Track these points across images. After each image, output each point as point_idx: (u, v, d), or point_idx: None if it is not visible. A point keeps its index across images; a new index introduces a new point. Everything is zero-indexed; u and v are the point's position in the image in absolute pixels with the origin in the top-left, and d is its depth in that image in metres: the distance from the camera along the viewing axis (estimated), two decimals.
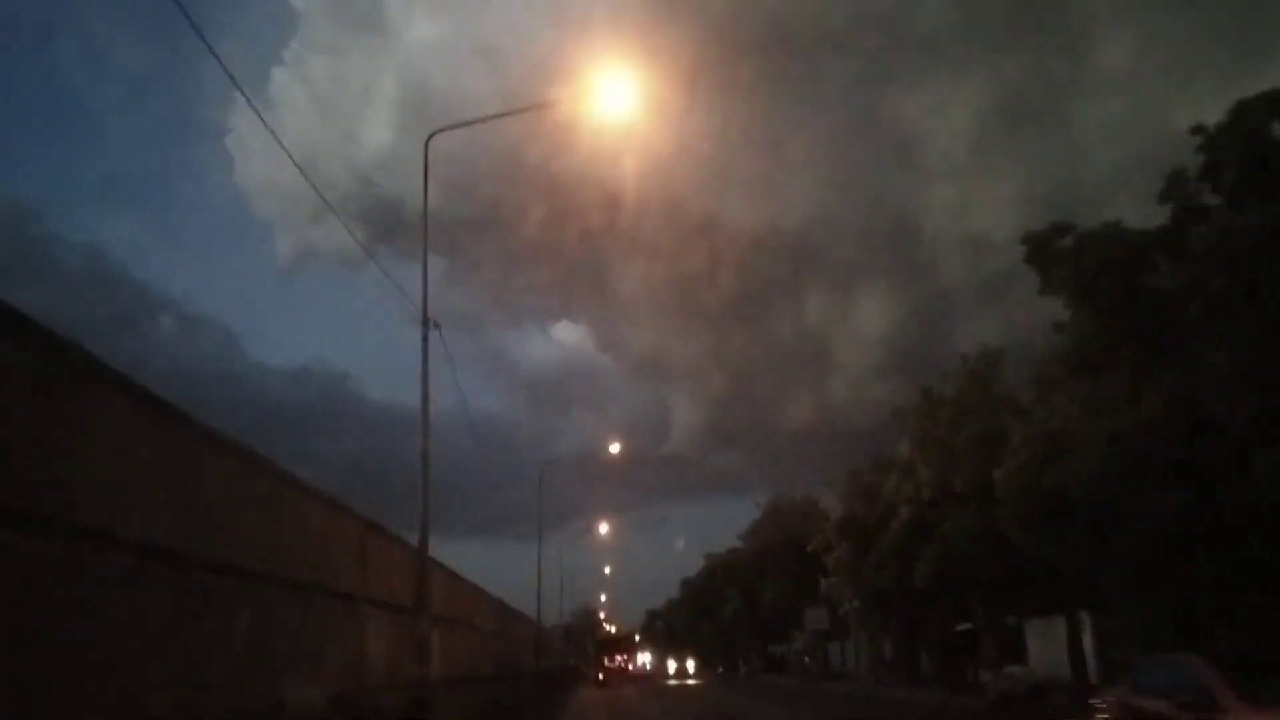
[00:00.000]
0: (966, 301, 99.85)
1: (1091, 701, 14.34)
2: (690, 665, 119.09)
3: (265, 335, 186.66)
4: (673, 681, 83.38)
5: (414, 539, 15.45)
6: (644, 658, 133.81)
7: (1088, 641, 33.45)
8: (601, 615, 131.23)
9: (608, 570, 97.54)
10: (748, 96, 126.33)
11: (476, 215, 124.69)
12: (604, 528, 70.28)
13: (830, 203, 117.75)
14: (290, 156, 11.78)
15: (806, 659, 72.26)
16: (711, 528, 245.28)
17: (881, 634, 52.21)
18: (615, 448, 42.76)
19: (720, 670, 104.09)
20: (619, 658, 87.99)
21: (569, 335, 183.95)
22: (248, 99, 11.05)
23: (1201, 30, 79.23)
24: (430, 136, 16.75)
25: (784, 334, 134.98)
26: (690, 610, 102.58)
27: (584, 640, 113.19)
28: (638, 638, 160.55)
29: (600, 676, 74.12)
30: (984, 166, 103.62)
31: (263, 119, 11.25)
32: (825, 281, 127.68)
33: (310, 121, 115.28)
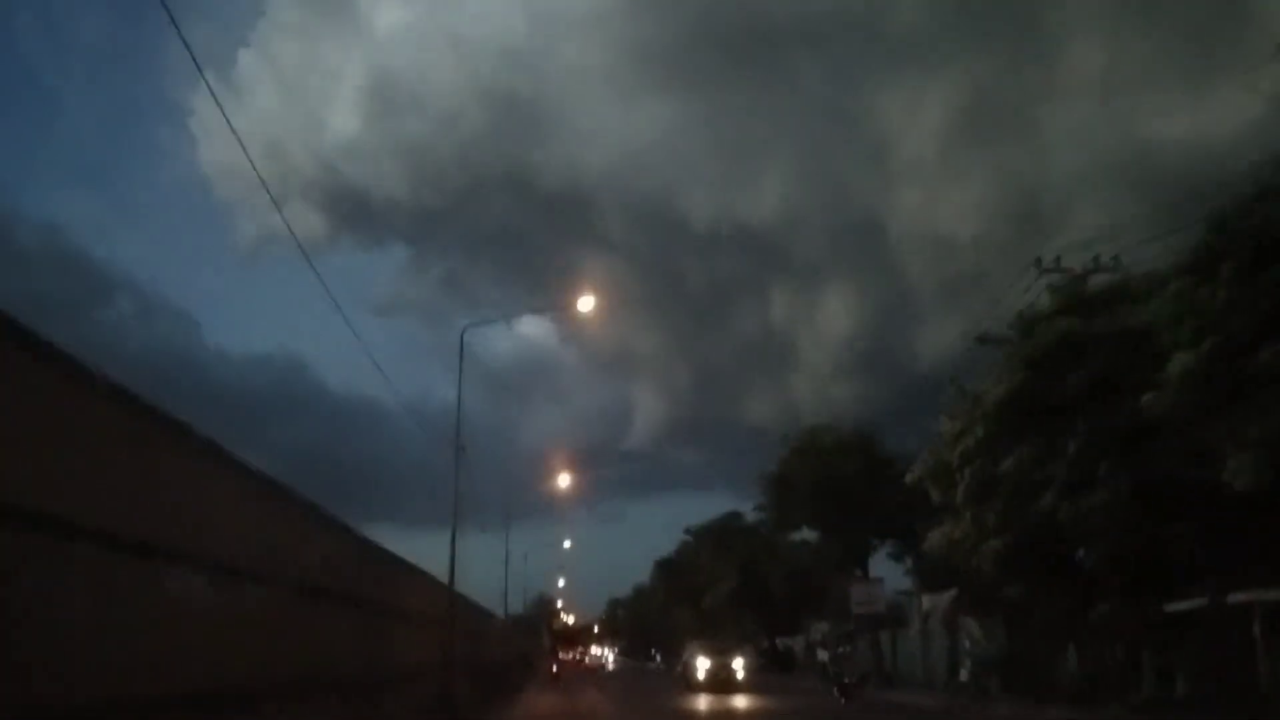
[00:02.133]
0: (931, 303, 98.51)
1: None
2: (659, 658, 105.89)
3: (225, 321, 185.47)
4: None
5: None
6: (608, 653, 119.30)
7: None
8: (559, 604, 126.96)
9: (561, 571, 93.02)
10: (719, 92, 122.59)
11: (442, 206, 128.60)
12: (563, 522, 68.15)
13: (798, 201, 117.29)
14: (245, 150, 11.60)
15: (824, 654, 56.12)
16: (669, 524, 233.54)
17: (990, 620, 35.92)
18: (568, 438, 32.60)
19: None
20: (573, 652, 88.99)
21: (532, 328, 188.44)
22: (210, 87, 10.69)
23: (1171, 39, 78.02)
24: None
25: (748, 331, 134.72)
26: (668, 595, 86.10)
27: (540, 631, 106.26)
28: (596, 629, 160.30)
29: (554, 669, 66.43)
30: (952, 168, 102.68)
31: (223, 110, 10.93)
32: (791, 280, 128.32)
33: (276, 106, 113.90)
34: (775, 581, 56.94)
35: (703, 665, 39.85)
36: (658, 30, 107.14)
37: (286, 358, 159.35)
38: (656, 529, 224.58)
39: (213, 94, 10.78)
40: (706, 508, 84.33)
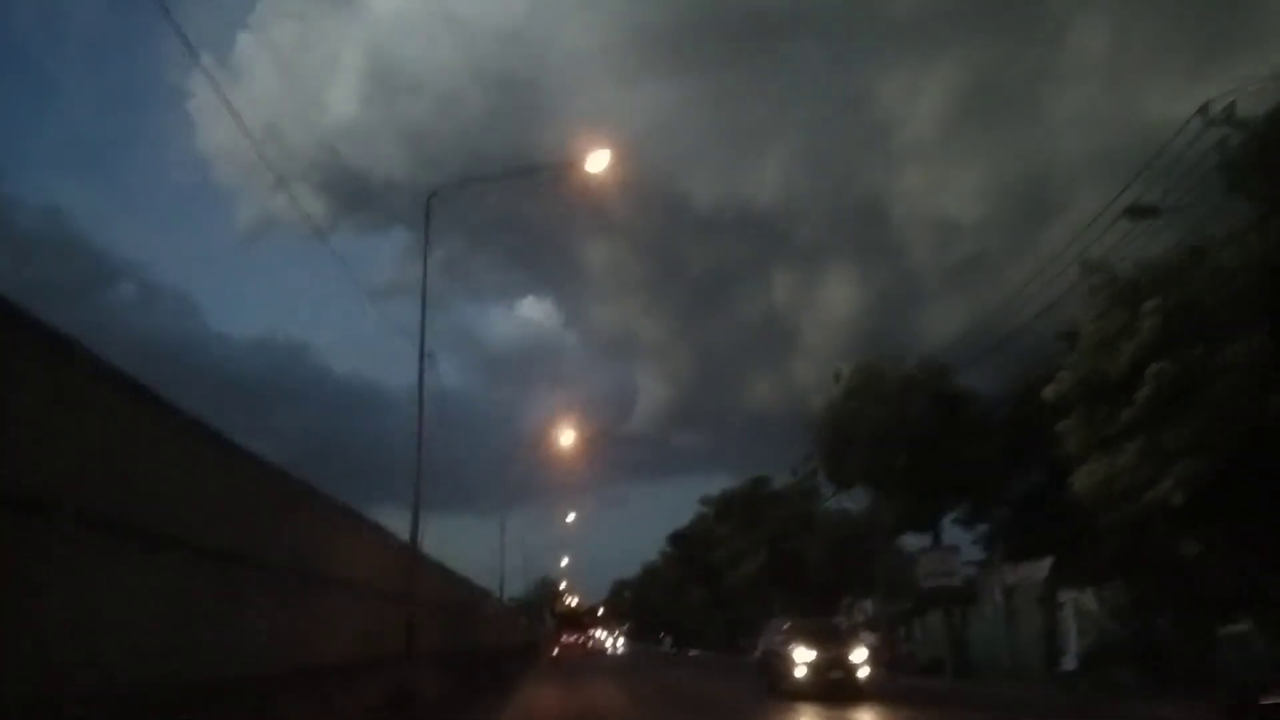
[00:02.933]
0: (933, 285, 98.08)
1: None
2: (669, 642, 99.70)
3: (226, 304, 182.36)
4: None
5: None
6: (614, 637, 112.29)
7: None
8: (562, 587, 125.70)
9: (564, 555, 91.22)
10: (720, 75, 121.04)
11: (444, 188, 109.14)
12: (566, 505, 66.91)
13: (800, 184, 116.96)
14: (246, 131, 11.30)
15: (870, 638, 48.74)
16: (672, 508, 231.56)
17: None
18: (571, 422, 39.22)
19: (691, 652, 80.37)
20: (577, 635, 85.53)
21: (534, 311, 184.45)
22: (209, 75, 7.48)
23: (1176, 21, 76.28)
24: (431, 196, 17.33)
25: (750, 314, 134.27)
26: (682, 572, 78.64)
27: (542, 614, 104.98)
28: (600, 612, 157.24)
29: (556, 653, 68.86)
30: (954, 151, 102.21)
31: (222, 95, 10.56)
32: (793, 263, 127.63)
33: (275, 88, 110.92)
34: (811, 555, 49.34)
35: (804, 658, 24.95)
36: (659, 13, 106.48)
37: (287, 341, 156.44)
38: (660, 513, 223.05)
39: (210, 78, 10.51)
40: (710, 491, 76.86)
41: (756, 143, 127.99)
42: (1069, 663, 30.63)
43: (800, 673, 24.73)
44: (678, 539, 77.91)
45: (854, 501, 47.20)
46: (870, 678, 25.32)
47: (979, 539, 37.03)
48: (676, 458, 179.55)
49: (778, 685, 26.09)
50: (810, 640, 25.64)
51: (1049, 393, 21.47)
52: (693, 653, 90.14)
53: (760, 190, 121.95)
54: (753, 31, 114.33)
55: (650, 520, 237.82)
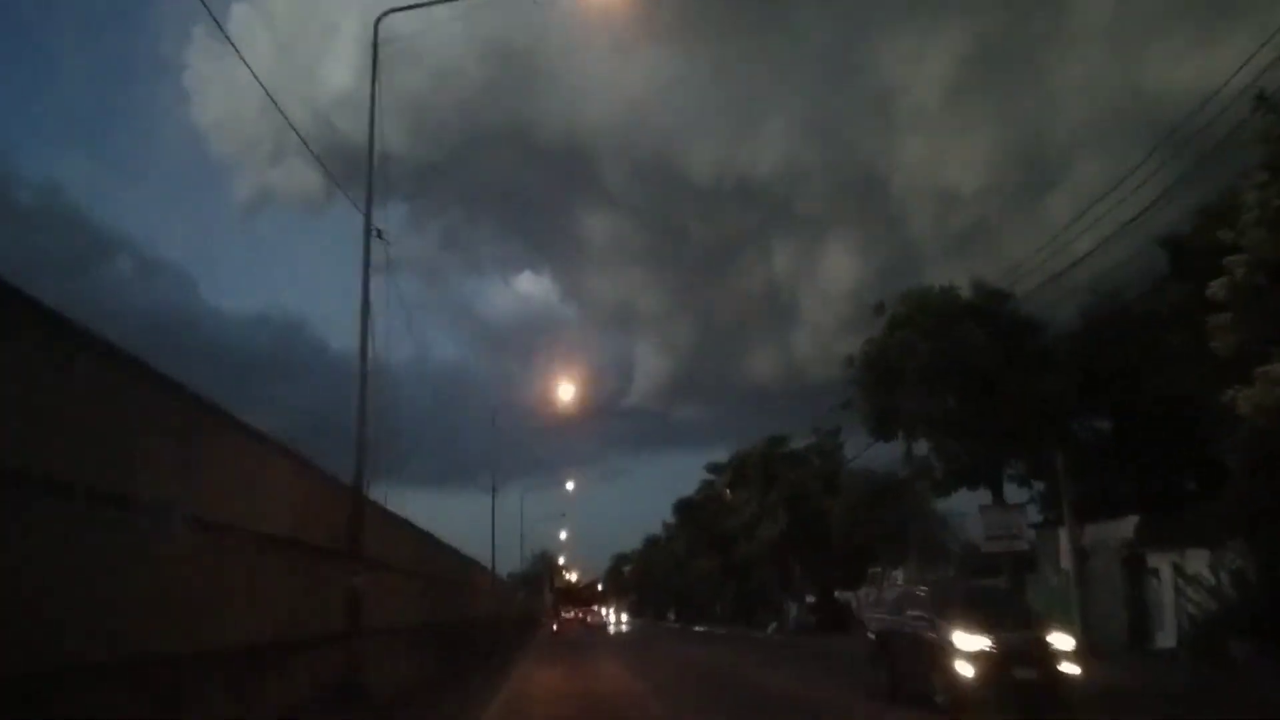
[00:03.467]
0: (934, 255, 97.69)
1: None
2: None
3: (223, 279, 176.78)
4: None
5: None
6: (613, 612, 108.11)
7: None
8: (560, 561, 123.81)
9: (563, 531, 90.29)
10: (720, 44, 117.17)
11: (441, 160, 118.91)
12: (565, 479, 63.21)
13: (801, 154, 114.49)
14: (267, 92, 11.73)
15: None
16: (671, 481, 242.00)
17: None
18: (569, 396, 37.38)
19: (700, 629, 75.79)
20: (576, 610, 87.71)
21: (532, 285, 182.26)
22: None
23: None
24: (380, 18, 16.23)
25: (751, 286, 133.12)
26: (686, 544, 73.89)
27: (541, 589, 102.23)
28: (600, 587, 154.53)
29: (555, 628, 68.14)
30: (957, 120, 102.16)
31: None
32: (794, 233, 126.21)
33: (270, 59, 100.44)
34: (837, 518, 44.56)
35: (973, 646, 14.65)
36: None
37: (284, 316, 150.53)
38: (659, 488, 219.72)
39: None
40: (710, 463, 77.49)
41: (756, 112, 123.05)
42: (1165, 638, 25.86)
43: (968, 671, 14.44)
44: (684, 508, 73.23)
45: (892, 456, 42.70)
46: (1080, 678, 14.73)
47: (1035, 497, 32.30)
48: (675, 431, 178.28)
49: (914, 686, 16.22)
50: (980, 618, 15.28)
51: (1218, 289, 16.32)
52: (698, 628, 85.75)
53: (760, 160, 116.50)
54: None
55: (649, 495, 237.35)
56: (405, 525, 18.90)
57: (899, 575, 44.99)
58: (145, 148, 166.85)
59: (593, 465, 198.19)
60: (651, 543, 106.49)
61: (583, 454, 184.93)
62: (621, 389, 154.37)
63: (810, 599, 56.61)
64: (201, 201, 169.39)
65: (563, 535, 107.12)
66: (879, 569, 46.29)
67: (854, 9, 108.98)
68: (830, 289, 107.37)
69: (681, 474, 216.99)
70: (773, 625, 62.58)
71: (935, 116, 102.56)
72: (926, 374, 27.87)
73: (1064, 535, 30.90)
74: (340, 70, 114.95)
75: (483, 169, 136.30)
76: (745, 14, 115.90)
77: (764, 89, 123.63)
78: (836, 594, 51.19)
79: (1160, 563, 26.43)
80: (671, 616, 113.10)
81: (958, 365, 27.50)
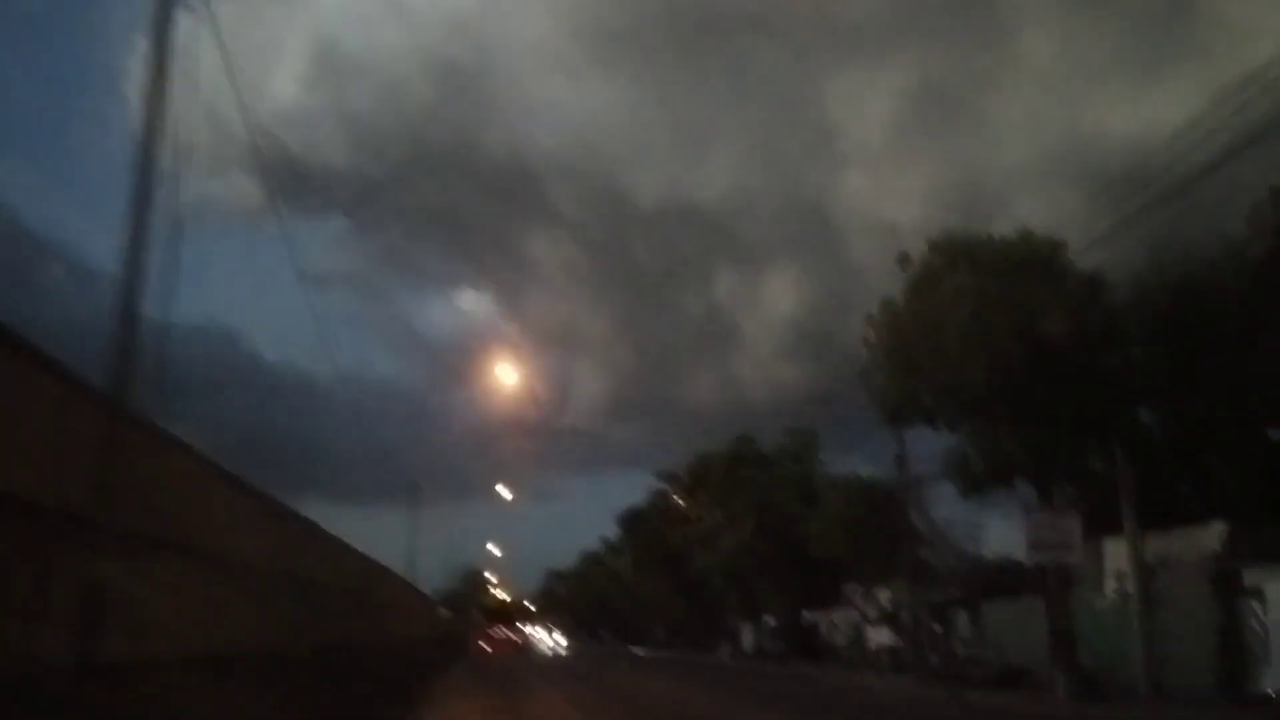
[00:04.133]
0: (873, 288, 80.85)
1: None
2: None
3: (159, 289, 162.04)
4: None
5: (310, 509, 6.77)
6: (548, 633, 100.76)
7: None
8: (491, 579, 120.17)
9: (493, 548, 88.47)
10: (669, 72, 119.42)
11: (384, 176, 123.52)
12: (499, 493, 66.65)
13: (745, 183, 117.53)
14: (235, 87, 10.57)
15: (890, 635, 38.08)
16: (606, 503, 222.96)
17: None
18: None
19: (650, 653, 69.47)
20: (505, 630, 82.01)
21: (472, 303, 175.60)
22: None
23: (1119, 35, 78.98)
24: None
25: (692, 310, 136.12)
26: (633, 559, 67.43)
27: (469, 608, 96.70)
28: (532, 606, 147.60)
29: (488, 648, 64.50)
30: (899, 156, 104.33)
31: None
32: (736, 260, 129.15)
33: (214, 69, 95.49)
34: (816, 529, 38.61)
35: None
36: (608, 6, 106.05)
37: (219, 328, 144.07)
38: (595, 509, 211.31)
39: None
40: (646, 487, 74.26)
41: (703, 140, 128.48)
42: (1274, 677, 20.15)
43: None
44: (630, 520, 66.75)
45: (878, 462, 36.90)
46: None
47: (1072, 500, 26.50)
48: (612, 453, 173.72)
49: None
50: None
51: None
52: (638, 650, 79.27)
53: (705, 187, 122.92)
54: (702, 28, 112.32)
55: (584, 516, 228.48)
56: (242, 489, 12.34)
57: (884, 595, 39.11)
58: (82, 155, 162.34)
59: (528, 484, 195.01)
60: (590, 559, 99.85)
61: (518, 472, 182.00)
62: (560, 409, 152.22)
63: (771, 621, 50.53)
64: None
65: (494, 550, 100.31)
66: (861, 588, 40.38)
67: (801, 44, 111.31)
68: (770, 316, 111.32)
69: (617, 496, 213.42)
70: (727, 649, 56.40)
71: (878, 151, 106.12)
72: (971, 342, 21.96)
73: (1108, 546, 25.27)
74: (285, 84, 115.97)
75: (427, 187, 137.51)
76: (694, 44, 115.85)
77: (711, 118, 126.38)
78: (805, 615, 45.10)
79: (1263, 581, 20.75)
80: (608, 637, 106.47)
81: (1016, 331, 21.66)
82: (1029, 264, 22.69)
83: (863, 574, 39.24)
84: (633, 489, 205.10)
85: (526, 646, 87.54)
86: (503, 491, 68.89)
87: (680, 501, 61.80)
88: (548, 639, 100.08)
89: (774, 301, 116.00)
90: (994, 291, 21.96)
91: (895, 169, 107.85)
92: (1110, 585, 26.22)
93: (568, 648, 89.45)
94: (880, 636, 38.48)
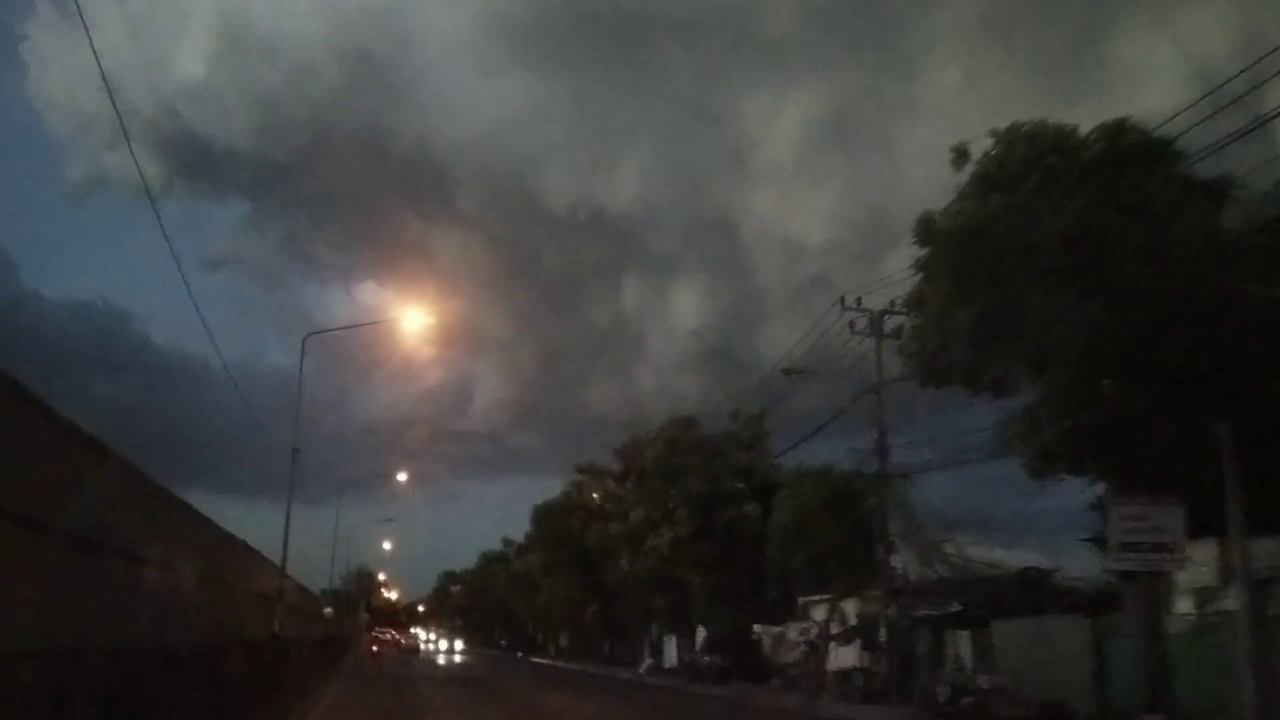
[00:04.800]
0: (777, 304, 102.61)
1: None
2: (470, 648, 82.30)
3: (45, 263, 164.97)
4: None
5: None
6: (453, 641, 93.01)
7: None
8: (381, 577, 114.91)
9: (388, 545, 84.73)
10: (584, 75, 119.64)
11: (287, 162, 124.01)
12: (392, 496, 49.67)
13: (656, 192, 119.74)
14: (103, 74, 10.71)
15: (851, 653, 32.15)
16: (503, 507, 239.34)
17: None
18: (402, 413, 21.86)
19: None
20: (393, 632, 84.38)
21: (373, 297, 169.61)
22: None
23: (1026, 68, 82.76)
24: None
25: (598, 318, 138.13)
26: (550, 557, 60.44)
27: (357, 608, 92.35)
28: (422, 609, 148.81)
29: (372, 650, 65.29)
30: (807, 175, 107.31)
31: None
32: (643, 270, 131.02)
33: (118, 40, 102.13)
34: (777, 530, 32.50)
35: None
36: (528, 6, 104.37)
37: (109, 307, 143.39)
38: (489, 513, 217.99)
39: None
40: (545, 492, 73.16)
41: (615, 146, 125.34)
42: None
43: None
44: (544, 516, 59.73)
45: (832, 453, 31.00)
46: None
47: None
48: (510, 457, 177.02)
49: None
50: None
51: None
52: (539, 661, 72.44)
53: (615, 194, 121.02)
54: (620, 34, 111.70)
55: (479, 520, 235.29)
56: None
57: (850, 608, 33.13)
58: None
59: (423, 486, 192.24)
60: (492, 559, 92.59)
61: (412, 473, 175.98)
62: (459, 411, 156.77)
63: (701, 633, 44.26)
64: (31, 182, 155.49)
65: (386, 546, 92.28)
66: (823, 599, 34.29)
67: (716, 59, 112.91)
68: (675, 327, 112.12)
69: (513, 501, 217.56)
70: (647, 663, 49.97)
71: (787, 170, 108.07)
72: (1075, 258, 15.98)
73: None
74: (190, 60, 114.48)
75: (332, 174, 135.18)
76: (612, 49, 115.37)
77: (624, 125, 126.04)
78: (756, 629, 38.78)
79: None
80: (504, 644, 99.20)
81: (1134, 247, 15.71)
82: (1140, 159, 16.75)
83: (824, 582, 33.23)
84: (529, 495, 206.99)
85: (414, 649, 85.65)
86: (397, 491, 67.12)
87: (598, 495, 55.42)
88: (443, 644, 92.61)
89: (679, 312, 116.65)
90: (1105, 193, 15.98)
91: (804, 188, 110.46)
92: (1182, 603, 20.62)
93: (462, 653, 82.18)
94: (844, 657, 32.48)
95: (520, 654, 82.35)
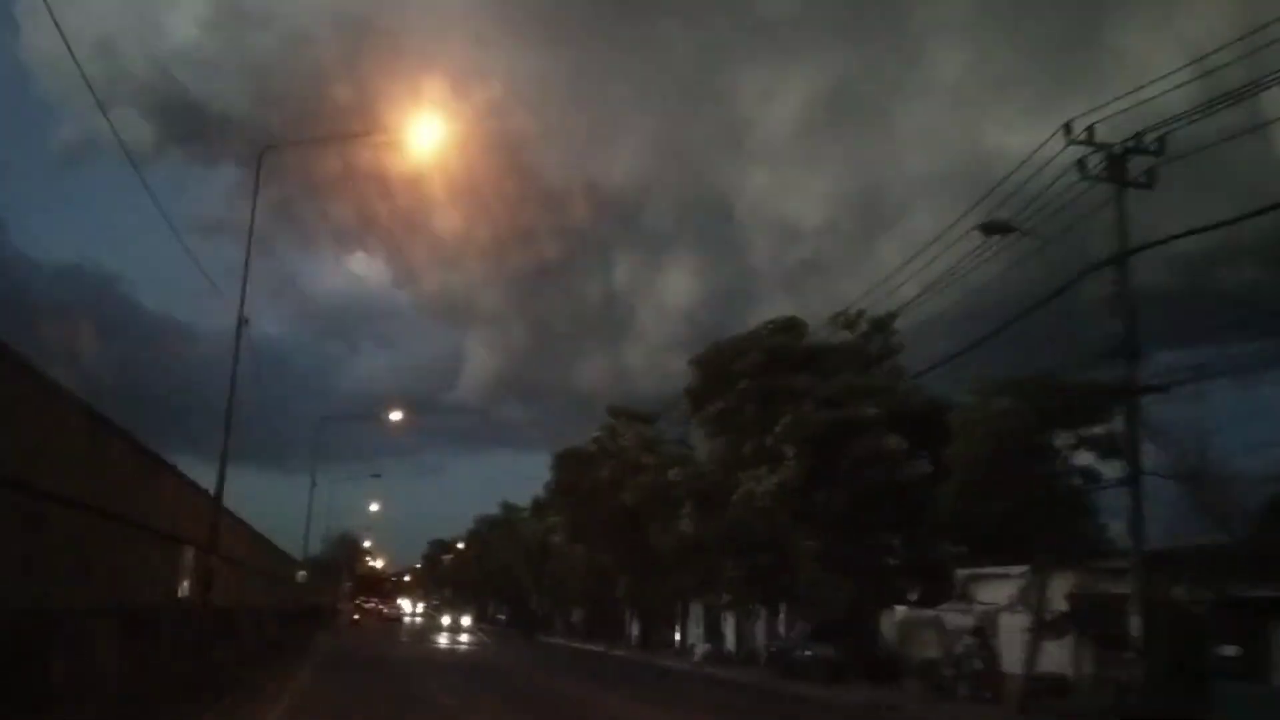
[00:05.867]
0: (770, 286, 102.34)
1: None
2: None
3: (35, 226, 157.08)
4: None
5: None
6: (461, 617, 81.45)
7: None
8: (367, 544, 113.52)
9: (375, 507, 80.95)
10: (583, 49, 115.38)
11: (285, 128, 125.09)
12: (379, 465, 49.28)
13: (652, 170, 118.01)
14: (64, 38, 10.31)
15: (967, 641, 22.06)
16: (489, 480, 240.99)
17: None
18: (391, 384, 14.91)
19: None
20: (378, 601, 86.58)
21: (365, 268, 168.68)
22: None
23: (1025, 53, 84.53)
24: (262, 151, 17.72)
25: (590, 294, 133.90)
26: (569, 519, 49.91)
27: (340, 576, 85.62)
28: (408, 578, 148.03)
29: (356, 618, 65.29)
30: (804, 156, 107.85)
31: None
32: (637, 248, 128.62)
33: (112, 3, 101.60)
34: (962, 464, 22.13)
35: None
36: None
37: (98, 270, 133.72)
38: (477, 486, 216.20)
39: None
40: (532, 467, 66.70)
41: (612, 122, 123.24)
42: None
43: None
44: (568, 463, 49.17)
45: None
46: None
47: None
48: (498, 431, 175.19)
49: None
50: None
51: None
52: (552, 640, 62.17)
53: (612, 170, 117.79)
54: (620, 9, 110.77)
55: (465, 493, 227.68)
56: None
57: (1012, 591, 22.78)
58: None
59: (410, 457, 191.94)
60: (494, 523, 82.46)
61: (400, 445, 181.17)
62: (447, 383, 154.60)
63: (789, 621, 33.99)
64: (19, 141, 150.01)
65: (373, 508, 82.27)
66: (1002, 572, 23.89)
67: (715, 36, 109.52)
68: (667, 306, 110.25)
69: (501, 474, 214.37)
70: (703, 649, 39.80)
71: (784, 151, 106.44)
72: None
73: None
74: (184, 23, 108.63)
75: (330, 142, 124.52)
76: (609, 23, 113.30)
77: (622, 101, 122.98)
78: (902, 611, 28.21)
79: None
80: (502, 620, 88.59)
81: None
82: None
83: (1016, 547, 22.91)
84: (515, 470, 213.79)
85: (396, 619, 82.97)
86: (387, 460, 58.70)
87: (631, 443, 45.23)
88: (443, 619, 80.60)
89: (671, 290, 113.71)
90: None
91: (801, 168, 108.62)
92: None
93: (471, 633, 70.07)
94: (1047, 656, 22.18)
95: (521, 631, 71.97)
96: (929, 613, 26.39)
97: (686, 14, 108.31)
